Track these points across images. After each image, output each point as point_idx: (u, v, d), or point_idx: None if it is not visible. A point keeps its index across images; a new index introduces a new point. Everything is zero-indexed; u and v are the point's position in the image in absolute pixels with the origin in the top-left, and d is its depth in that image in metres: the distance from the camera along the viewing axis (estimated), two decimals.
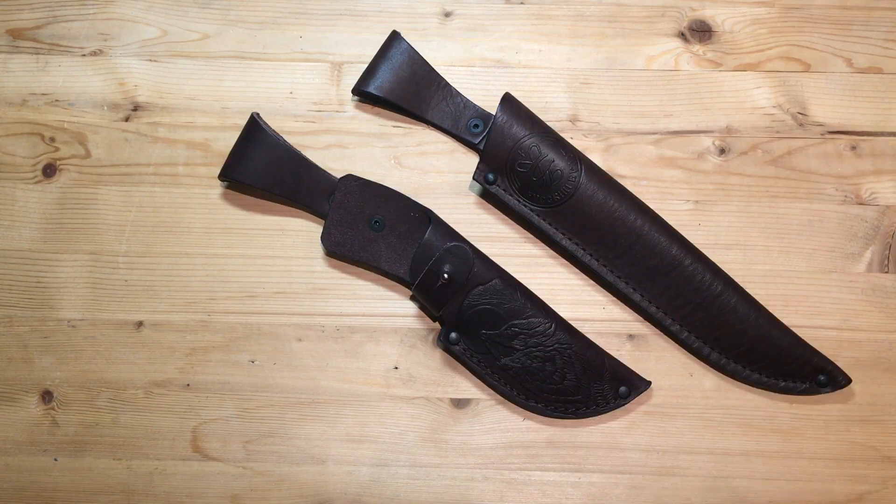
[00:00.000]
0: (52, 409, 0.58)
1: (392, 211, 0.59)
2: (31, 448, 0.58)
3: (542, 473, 0.57)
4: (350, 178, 0.59)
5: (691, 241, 0.59)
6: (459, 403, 0.58)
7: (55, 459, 0.58)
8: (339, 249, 0.59)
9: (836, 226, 0.60)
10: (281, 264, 0.60)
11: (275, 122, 0.62)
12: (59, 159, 0.62)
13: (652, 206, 0.59)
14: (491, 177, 0.59)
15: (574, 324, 0.59)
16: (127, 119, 0.63)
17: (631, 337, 0.59)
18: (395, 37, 0.62)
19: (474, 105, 0.62)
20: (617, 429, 0.58)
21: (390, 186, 0.60)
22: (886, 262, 0.60)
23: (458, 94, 0.62)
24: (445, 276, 0.56)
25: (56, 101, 0.63)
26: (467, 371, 0.58)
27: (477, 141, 0.61)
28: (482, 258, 0.58)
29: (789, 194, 0.61)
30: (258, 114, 0.61)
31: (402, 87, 0.62)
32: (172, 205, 0.61)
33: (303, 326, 0.59)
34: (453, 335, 0.57)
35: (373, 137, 0.63)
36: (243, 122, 0.62)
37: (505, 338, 0.57)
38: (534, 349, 0.57)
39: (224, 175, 0.60)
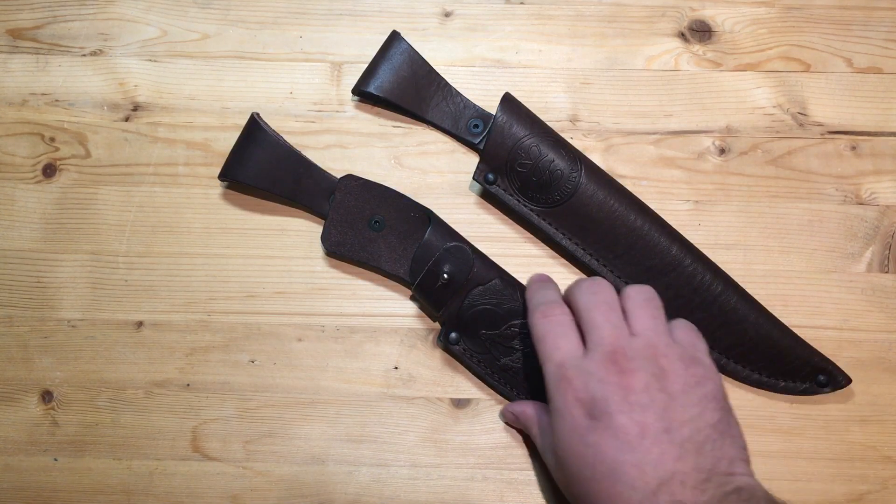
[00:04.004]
0: (52, 409, 0.58)
1: (392, 211, 0.59)
2: (31, 448, 0.58)
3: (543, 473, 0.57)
4: (350, 179, 0.59)
5: (691, 242, 0.59)
6: (459, 403, 0.58)
7: (55, 459, 0.58)
8: (339, 250, 0.59)
9: (836, 226, 0.60)
10: (281, 264, 0.60)
11: (275, 122, 0.62)
12: (59, 159, 0.62)
13: (652, 206, 0.59)
14: (491, 177, 0.59)
15: None
16: (127, 119, 0.63)
17: None
18: (395, 37, 0.62)
19: (474, 105, 0.62)
20: None
21: (390, 186, 0.59)
22: (886, 262, 0.60)
23: (458, 94, 0.62)
24: (445, 276, 0.56)
25: (56, 101, 0.63)
26: (467, 371, 0.58)
27: (477, 141, 0.61)
28: (482, 258, 0.58)
29: (789, 194, 0.61)
30: (258, 114, 0.61)
31: (402, 87, 0.62)
32: (172, 205, 0.61)
33: (303, 326, 0.59)
34: (453, 335, 0.57)
35: (373, 137, 0.63)
36: (243, 122, 0.62)
37: (505, 338, 0.57)
38: (533, 349, 0.56)
39: (224, 175, 0.60)
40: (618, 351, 0.47)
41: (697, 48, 0.64)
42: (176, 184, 0.62)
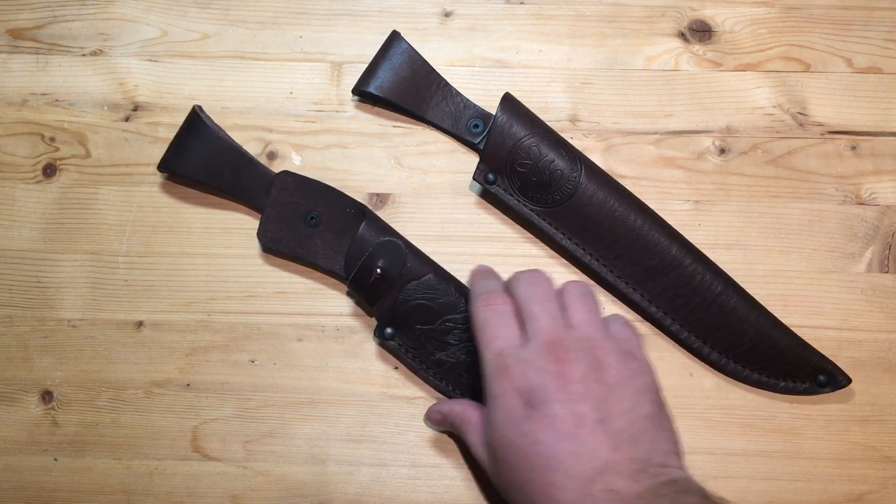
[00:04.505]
0: (52, 409, 0.58)
1: (327, 207, 0.59)
2: (31, 448, 0.58)
3: None
4: (286, 175, 0.59)
5: (691, 242, 0.59)
6: None
7: (55, 459, 0.58)
8: (276, 246, 0.59)
9: (836, 226, 0.60)
10: (281, 264, 0.60)
11: (275, 122, 0.63)
12: (59, 159, 0.62)
13: (652, 206, 0.59)
14: (491, 177, 0.59)
15: None
16: (127, 119, 0.63)
17: None
18: (395, 37, 0.62)
19: (474, 105, 0.62)
20: None
21: (326, 182, 0.59)
22: (886, 262, 0.60)
23: (459, 94, 0.62)
24: (378, 270, 0.56)
25: (56, 101, 0.63)
26: None
27: (477, 141, 0.61)
28: (415, 253, 0.58)
29: (789, 194, 0.61)
30: (200, 106, 0.61)
31: (402, 87, 0.62)
32: (172, 205, 0.61)
33: (303, 326, 0.59)
34: (388, 330, 0.57)
35: (373, 137, 0.63)
36: (243, 122, 0.62)
37: (439, 332, 0.57)
38: (468, 343, 0.56)
39: (163, 167, 0.60)
40: (556, 341, 0.48)
41: (697, 48, 0.64)
42: (176, 184, 0.62)
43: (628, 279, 0.58)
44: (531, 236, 0.61)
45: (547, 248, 0.61)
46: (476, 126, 0.61)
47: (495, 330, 0.50)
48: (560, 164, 0.58)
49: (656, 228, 0.58)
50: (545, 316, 0.49)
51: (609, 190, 0.58)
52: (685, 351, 0.59)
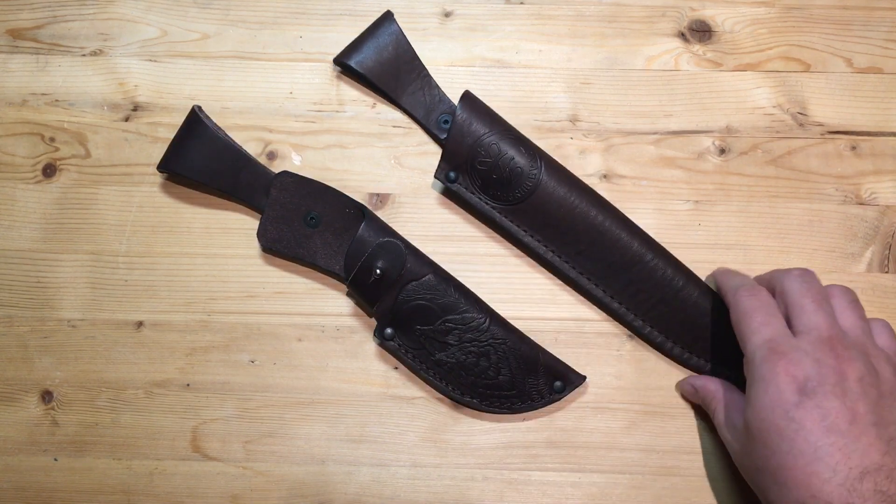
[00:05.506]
0: (52, 409, 0.58)
1: (327, 207, 0.59)
2: (31, 448, 0.58)
3: (542, 473, 0.57)
4: (285, 175, 0.59)
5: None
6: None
7: (55, 459, 0.58)
8: (276, 246, 0.59)
9: (836, 226, 0.60)
10: (281, 264, 0.60)
11: (275, 122, 0.63)
12: (59, 159, 0.62)
13: (652, 206, 0.59)
14: (452, 175, 0.59)
15: (574, 324, 0.59)
16: (127, 119, 0.63)
17: (631, 337, 0.59)
18: (387, 17, 0.62)
19: (450, 101, 0.61)
20: (617, 429, 0.58)
21: (325, 182, 0.59)
22: (886, 262, 0.60)
23: (437, 87, 0.62)
24: (378, 271, 0.56)
25: (56, 101, 0.63)
26: None
27: (444, 137, 0.61)
28: (415, 254, 0.58)
29: (789, 194, 0.61)
30: (199, 106, 0.61)
31: (383, 67, 0.61)
32: (172, 205, 0.61)
33: (303, 326, 0.59)
34: (388, 331, 0.57)
35: (373, 137, 0.63)
36: (244, 122, 0.62)
37: (439, 333, 0.57)
38: (468, 344, 0.56)
39: (162, 167, 0.60)
40: (833, 338, 0.48)
41: (697, 48, 0.64)
42: (176, 184, 0.62)
43: (590, 275, 0.58)
44: (495, 234, 0.60)
45: (511, 246, 0.61)
46: (446, 122, 0.61)
47: (764, 317, 0.50)
48: (520, 161, 0.58)
49: (617, 224, 0.58)
50: (821, 312, 0.49)
51: (569, 187, 0.58)
52: None
